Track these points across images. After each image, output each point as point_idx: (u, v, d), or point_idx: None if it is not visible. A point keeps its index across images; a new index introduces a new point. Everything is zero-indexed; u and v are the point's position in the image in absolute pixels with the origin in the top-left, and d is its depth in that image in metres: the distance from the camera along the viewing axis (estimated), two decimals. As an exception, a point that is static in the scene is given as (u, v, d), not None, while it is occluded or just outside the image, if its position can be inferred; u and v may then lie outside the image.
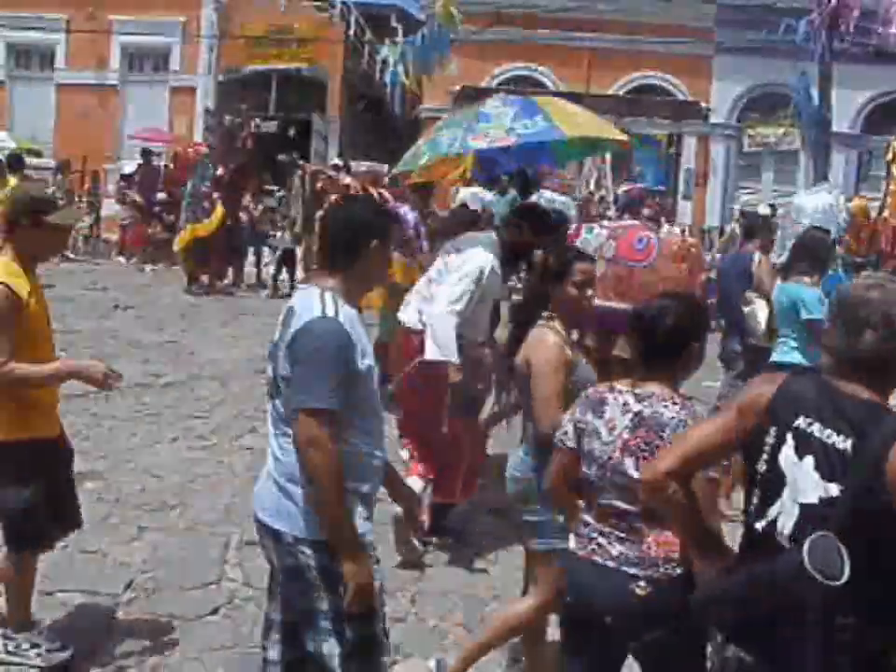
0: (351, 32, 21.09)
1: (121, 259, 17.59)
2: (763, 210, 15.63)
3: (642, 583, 2.81)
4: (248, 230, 15.67)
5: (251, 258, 16.21)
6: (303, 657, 2.90)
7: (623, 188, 14.02)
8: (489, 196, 14.24)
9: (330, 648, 2.80)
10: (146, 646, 4.10)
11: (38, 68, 22.32)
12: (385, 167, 14.17)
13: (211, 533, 5.35)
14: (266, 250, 16.13)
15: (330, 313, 2.79)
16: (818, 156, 17.69)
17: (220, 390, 8.58)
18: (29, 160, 19.46)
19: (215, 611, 4.46)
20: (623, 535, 2.87)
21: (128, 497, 5.80)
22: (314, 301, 2.83)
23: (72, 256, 17.56)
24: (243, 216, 15.57)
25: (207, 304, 13.47)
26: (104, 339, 10.41)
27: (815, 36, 16.87)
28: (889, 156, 8.49)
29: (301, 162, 15.80)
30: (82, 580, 4.66)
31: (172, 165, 17.22)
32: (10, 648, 3.90)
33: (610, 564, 2.86)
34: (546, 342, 3.62)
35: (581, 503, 3.05)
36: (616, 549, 2.87)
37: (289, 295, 14.46)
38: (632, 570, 2.83)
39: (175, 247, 15.01)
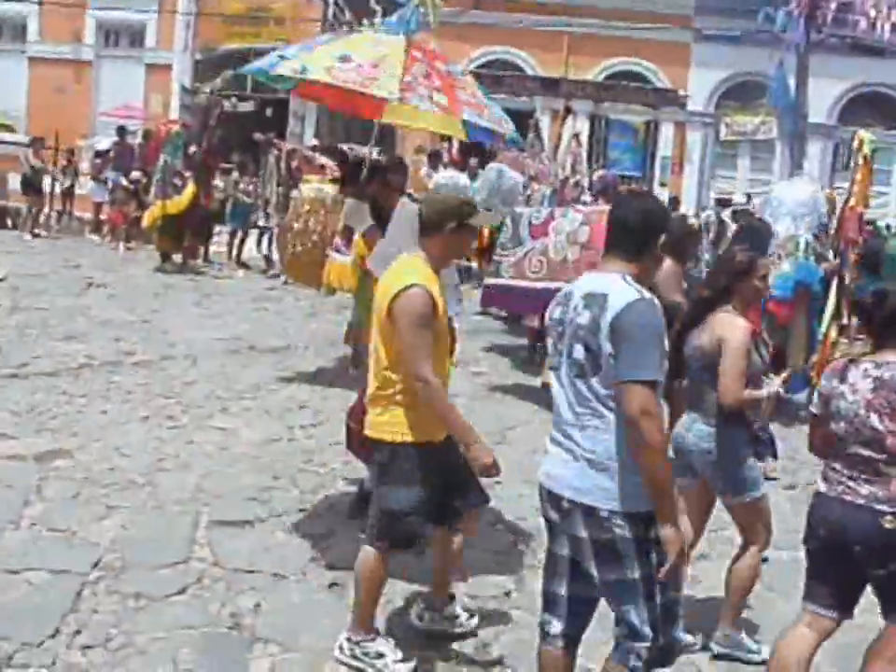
0: (330, 11, 20.93)
1: (95, 236, 17.43)
2: (739, 198, 15.74)
3: (889, 517, 3.36)
4: (244, 208, 15.47)
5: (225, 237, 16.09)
6: (586, 596, 3.21)
7: (598, 173, 14.03)
8: (464, 180, 14.24)
9: (640, 613, 3.02)
10: (112, 625, 4.09)
11: (10, 40, 21.99)
12: (375, 150, 14.06)
13: (180, 512, 5.34)
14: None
15: (647, 295, 3.01)
16: (793, 145, 17.78)
17: (192, 370, 8.54)
18: (3, 135, 19.31)
19: (183, 591, 4.44)
20: (870, 478, 3.42)
21: (97, 475, 5.76)
22: (622, 284, 3.02)
23: (44, 234, 17.41)
24: (245, 198, 15.40)
25: (180, 283, 13.39)
26: (76, 317, 10.33)
27: (793, 26, 16.94)
28: (856, 145, 8.56)
29: (276, 141, 15.68)
30: (49, 558, 4.63)
31: (145, 143, 17.08)
32: (358, 653, 3.88)
33: (861, 501, 3.42)
34: (740, 326, 4.14)
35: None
36: (865, 489, 3.42)
37: (265, 272, 14.50)
38: (881, 507, 3.38)
39: (145, 223, 14.88)
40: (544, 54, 20.71)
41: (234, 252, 15.55)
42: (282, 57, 5.07)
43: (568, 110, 14.31)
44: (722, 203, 14.85)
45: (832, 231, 9.14)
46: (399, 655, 3.93)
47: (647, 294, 3.01)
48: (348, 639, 3.93)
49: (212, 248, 15.92)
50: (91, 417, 6.90)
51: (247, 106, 20.31)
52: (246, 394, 7.89)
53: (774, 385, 4.29)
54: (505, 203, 12.02)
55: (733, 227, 12.81)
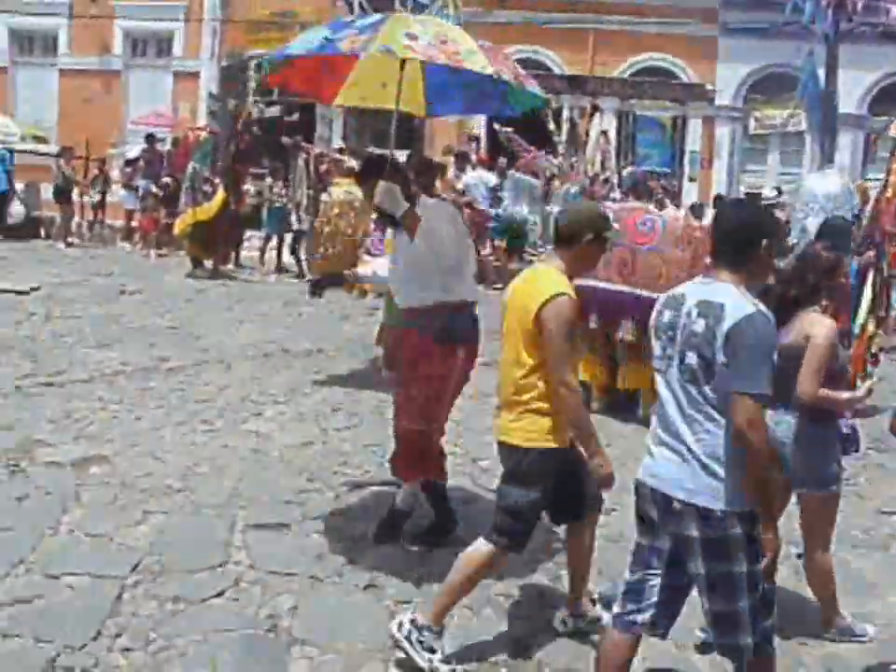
0: (355, 15, 20.99)
1: (126, 244, 17.60)
2: (768, 192, 15.61)
3: None
4: (279, 211, 15.55)
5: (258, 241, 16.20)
6: (679, 584, 3.34)
7: (627, 170, 14.01)
8: (494, 179, 14.27)
9: (744, 604, 3.17)
10: (152, 628, 4.12)
11: (41, 53, 22.27)
12: (405, 154, 14.11)
13: (216, 516, 5.37)
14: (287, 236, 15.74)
15: (763, 308, 3.11)
16: (823, 137, 17.60)
17: (225, 374, 8.60)
18: (34, 146, 19.55)
19: (220, 594, 4.46)
20: None
21: (134, 480, 5.81)
22: (738, 295, 3.12)
23: (77, 242, 17.60)
24: (281, 200, 15.48)
25: (212, 289, 13.49)
26: (109, 324, 10.43)
27: (821, 17, 16.78)
28: (892, 133, 8.49)
29: (304, 145, 15.76)
30: (88, 562, 4.68)
31: (174, 150, 17.22)
32: (413, 638, 3.90)
33: None
34: (827, 324, 4.26)
35: None
36: None
37: (299, 277, 14.55)
38: None
39: (176, 231, 15.00)
40: (570, 52, 20.64)
41: (272, 256, 15.63)
42: (328, 39, 4.61)
43: (596, 108, 14.29)
44: (752, 197, 14.76)
45: (864, 223, 9.06)
46: (444, 655, 3.94)
47: (762, 307, 3.10)
48: (413, 621, 3.93)
49: (243, 253, 16.03)
50: (126, 423, 6.96)
51: (275, 111, 20.40)
52: (280, 397, 7.93)
53: (863, 389, 4.46)
54: (531, 204, 12.53)
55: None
